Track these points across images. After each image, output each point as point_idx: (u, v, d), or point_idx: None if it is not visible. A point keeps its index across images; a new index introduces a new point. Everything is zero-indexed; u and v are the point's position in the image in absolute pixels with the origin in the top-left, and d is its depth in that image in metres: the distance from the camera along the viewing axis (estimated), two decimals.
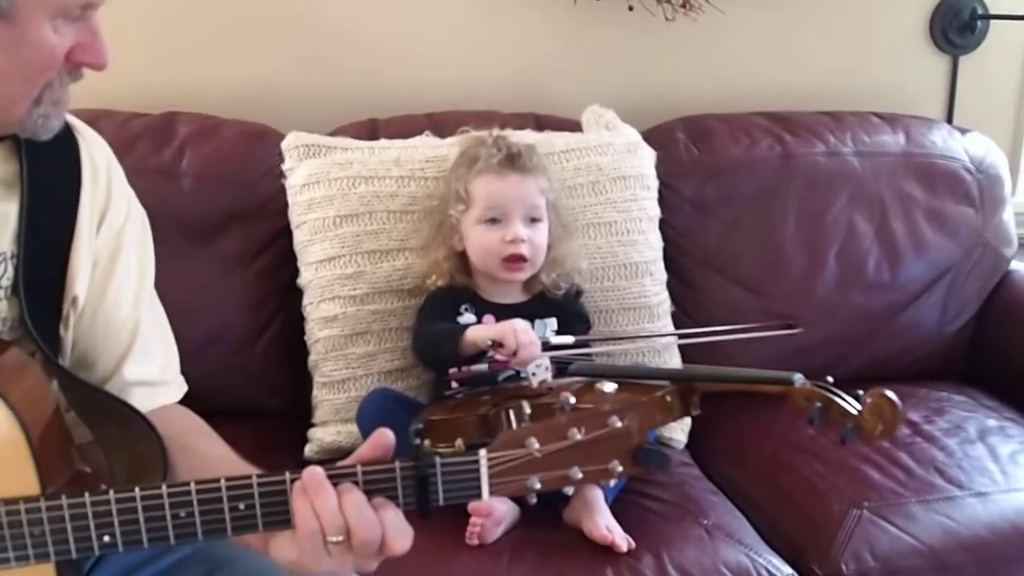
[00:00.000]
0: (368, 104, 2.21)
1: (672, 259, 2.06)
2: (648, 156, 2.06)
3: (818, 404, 1.26)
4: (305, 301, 1.93)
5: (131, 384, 1.25)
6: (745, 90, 2.38)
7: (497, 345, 1.67)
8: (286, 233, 1.96)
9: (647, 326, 1.96)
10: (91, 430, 1.23)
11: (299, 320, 1.95)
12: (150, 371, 1.28)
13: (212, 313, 1.97)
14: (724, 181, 2.14)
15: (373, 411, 1.74)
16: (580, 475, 1.03)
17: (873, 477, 1.78)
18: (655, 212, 2.03)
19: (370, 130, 2.12)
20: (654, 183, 2.05)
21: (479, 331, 1.71)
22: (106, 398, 1.19)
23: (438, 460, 1.00)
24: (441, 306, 1.82)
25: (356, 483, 1.00)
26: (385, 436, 1.03)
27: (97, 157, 1.25)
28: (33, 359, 1.19)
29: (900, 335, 2.18)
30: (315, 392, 1.92)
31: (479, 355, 1.72)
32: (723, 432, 2.00)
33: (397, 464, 1.00)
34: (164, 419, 1.23)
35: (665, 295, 2.01)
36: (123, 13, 2.07)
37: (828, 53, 2.44)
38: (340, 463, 1.03)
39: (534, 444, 1.01)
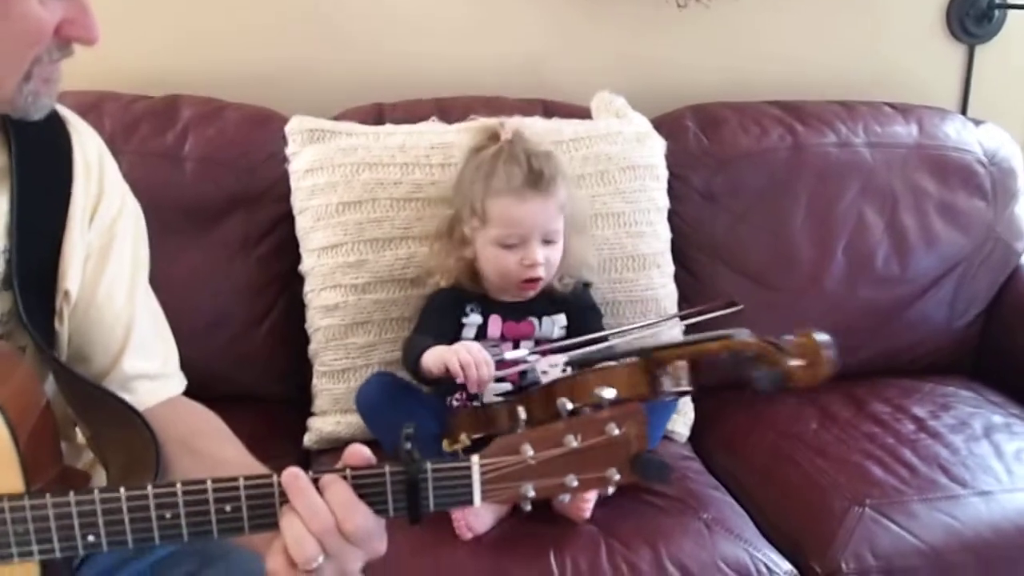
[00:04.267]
0: (373, 88, 2.19)
1: (679, 250, 2.04)
2: (658, 146, 2.03)
3: (749, 354, 1.26)
4: (306, 288, 1.91)
5: (132, 378, 1.24)
6: (756, 78, 2.35)
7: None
8: (289, 218, 1.95)
9: (653, 318, 1.93)
10: (87, 426, 1.23)
11: (301, 307, 1.93)
12: (151, 365, 1.26)
13: (214, 298, 1.96)
14: (733, 172, 2.11)
15: (374, 395, 1.72)
16: (576, 483, 1.01)
17: (876, 473, 1.76)
18: (664, 203, 2.01)
19: (376, 115, 2.10)
20: (663, 173, 2.02)
21: (431, 356, 1.66)
22: (102, 394, 1.17)
23: (429, 466, 0.98)
24: (445, 306, 1.79)
25: None
26: (361, 452, 1.00)
27: (89, 150, 1.23)
28: (24, 353, 1.18)
29: (908, 329, 2.16)
30: (315, 381, 1.91)
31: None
32: (725, 425, 1.99)
33: (387, 468, 0.99)
34: (174, 417, 1.23)
35: (672, 287, 1.99)
36: None
37: (842, 41, 2.41)
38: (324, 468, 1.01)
39: (528, 451, 1.00)
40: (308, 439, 1.89)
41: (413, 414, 1.67)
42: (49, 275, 1.18)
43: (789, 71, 2.38)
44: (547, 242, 1.73)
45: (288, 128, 1.97)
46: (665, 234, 2.00)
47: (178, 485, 0.98)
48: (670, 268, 2.00)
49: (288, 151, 1.96)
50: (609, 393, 1.04)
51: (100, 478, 1.25)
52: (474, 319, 1.78)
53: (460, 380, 1.61)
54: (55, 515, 0.98)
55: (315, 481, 0.97)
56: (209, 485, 0.98)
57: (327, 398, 1.89)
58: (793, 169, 2.13)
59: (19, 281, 1.14)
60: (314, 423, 1.90)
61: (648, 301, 1.94)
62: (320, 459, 1.86)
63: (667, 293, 1.98)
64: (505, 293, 1.78)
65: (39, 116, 1.10)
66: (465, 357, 1.60)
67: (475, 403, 1.72)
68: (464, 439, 1.55)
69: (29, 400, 1.09)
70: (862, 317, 2.13)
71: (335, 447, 1.84)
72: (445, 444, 1.58)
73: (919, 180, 2.18)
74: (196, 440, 1.21)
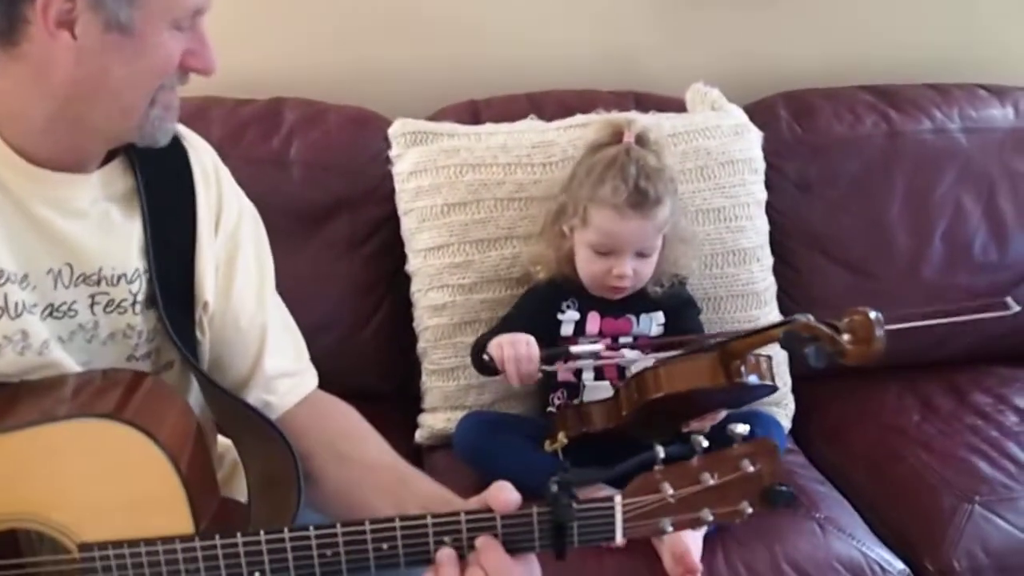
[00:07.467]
0: (465, 83, 2.20)
1: (776, 241, 2.04)
2: (755, 138, 2.03)
3: (805, 336, 1.35)
4: (413, 288, 1.96)
5: (273, 378, 1.29)
6: (848, 62, 2.33)
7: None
8: (392, 219, 1.99)
9: (754, 312, 1.95)
10: (230, 435, 1.29)
11: (407, 305, 1.98)
12: (287, 362, 1.32)
13: (322, 299, 2.00)
14: (828, 160, 2.12)
15: (471, 436, 1.79)
16: (711, 516, 1.06)
17: (983, 469, 1.78)
18: (762, 196, 2.01)
19: (471, 111, 2.12)
20: (761, 166, 2.03)
21: (492, 344, 1.73)
22: (242, 407, 1.23)
23: (575, 507, 1.04)
24: (542, 302, 1.83)
25: (495, 533, 1.05)
26: (506, 495, 1.06)
27: (206, 162, 1.28)
28: (171, 370, 1.24)
29: (1006, 317, 2.15)
30: (424, 379, 1.96)
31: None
32: (826, 415, 2.02)
33: (535, 511, 1.05)
34: (316, 419, 1.29)
35: (771, 280, 2.01)
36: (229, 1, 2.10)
37: (933, 22, 2.37)
38: (474, 509, 1.07)
39: (668, 489, 1.05)
40: (420, 435, 1.95)
41: (511, 445, 1.73)
42: (187, 289, 1.23)
43: (880, 54, 2.35)
44: (640, 255, 1.76)
45: (391, 131, 2.00)
46: (764, 227, 2.01)
47: (338, 526, 1.05)
48: (769, 261, 2.01)
49: (392, 154, 1.99)
50: (742, 428, 1.08)
51: (241, 482, 1.30)
52: (571, 315, 1.82)
53: (502, 371, 1.69)
54: (224, 555, 1.05)
55: (470, 535, 1.04)
56: (368, 526, 1.05)
57: (437, 395, 1.94)
58: (888, 156, 2.13)
59: (162, 298, 1.20)
60: (425, 420, 1.95)
61: (748, 296, 1.96)
62: (431, 456, 1.91)
63: (766, 286, 2.00)
64: (595, 291, 1.82)
65: (165, 142, 1.16)
66: (508, 352, 1.67)
67: (574, 402, 1.77)
68: (561, 438, 1.66)
69: (186, 437, 1.15)
70: (961, 304, 2.12)
71: (445, 443, 1.89)
72: (546, 444, 1.67)
73: (1016, 165, 2.17)
74: (341, 443, 1.27)
